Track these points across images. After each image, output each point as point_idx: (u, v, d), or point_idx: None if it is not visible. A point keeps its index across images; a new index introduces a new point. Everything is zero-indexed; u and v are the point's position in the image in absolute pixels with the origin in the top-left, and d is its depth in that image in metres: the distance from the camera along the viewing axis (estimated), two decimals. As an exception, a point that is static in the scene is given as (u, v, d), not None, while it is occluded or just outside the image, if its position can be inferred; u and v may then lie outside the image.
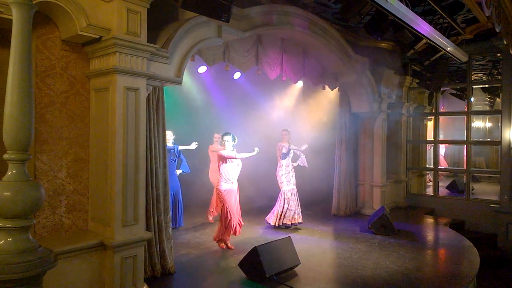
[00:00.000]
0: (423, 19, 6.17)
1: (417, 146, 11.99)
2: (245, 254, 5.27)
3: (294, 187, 7.92)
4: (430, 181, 12.98)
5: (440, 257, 6.62)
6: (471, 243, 7.15)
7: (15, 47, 2.48)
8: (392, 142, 10.48)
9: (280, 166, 7.86)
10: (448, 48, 7.29)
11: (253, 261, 5.08)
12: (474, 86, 11.14)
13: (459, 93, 13.17)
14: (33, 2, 2.59)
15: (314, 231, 7.81)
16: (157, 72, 4.83)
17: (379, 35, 6.25)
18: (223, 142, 6.40)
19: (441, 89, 10.62)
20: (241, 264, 5.26)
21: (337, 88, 9.39)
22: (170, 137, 7.12)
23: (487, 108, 16.76)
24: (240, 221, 6.53)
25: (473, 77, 11.07)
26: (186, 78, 7.52)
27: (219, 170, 6.45)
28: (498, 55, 9.90)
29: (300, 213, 7.90)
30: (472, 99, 11.01)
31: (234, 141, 6.45)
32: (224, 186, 6.33)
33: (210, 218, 8.23)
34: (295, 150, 7.86)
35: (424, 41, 6.79)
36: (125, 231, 4.38)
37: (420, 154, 12.14)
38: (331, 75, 9.05)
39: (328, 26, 7.73)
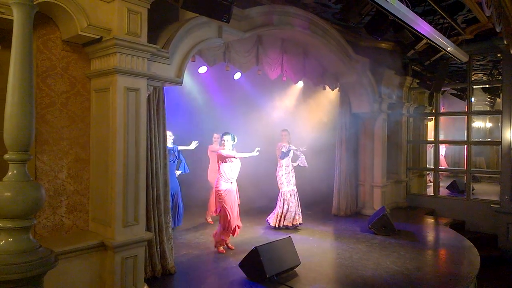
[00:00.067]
0: (423, 19, 6.17)
1: (418, 146, 11.99)
2: (245, 254, 5.27)
3: (294, 187, 7.91)
4: (430, 181, 12.97)
5: (440, 257, 6.62)
6: (471, 243, 7.15)
7: (16, 48, 2.49)
8: (392, 143, 10.47)
9: (280, 166, 7.86)
10: (449, 48, 7.29)
11: (253, 261, 5.08)
12: (474, 86, 11.13)
13: (459, 93, 13.16)
14: (34, 3, 2.59)
15: (315, 231, 7.80)
16: (158, 72, 4.83)
17: (380, 35, 6.25)
18: (223, 142, 6.39)
19: (442, 89, 10.63)
20: (242, 264, 5.27)
21: (338, 88, 9.39)
22: (169, 137, 7.10)
23: (488, 108, 16.75)
24: (238, 224, 6.51)
25: (473, 77, 11.06)
26: (187, 78, 7.51)
27: (218, 170, 6.44)
28: (499, 55, 9.89)
29: (300, 214, 7.90)
30: (473, 99, 11.00)
31: (234, 141, 6.44)
32: (223, 186, 6.31)
33: (209, 219, 8.23)
34: (294, 150, 7.85)
35: (424, 41, 6.79)
36: (126, 232, 4.38)
37: (421, 154, 12.14)
38: (332, 76, 9.05)
39: (329, 26, 7.73)
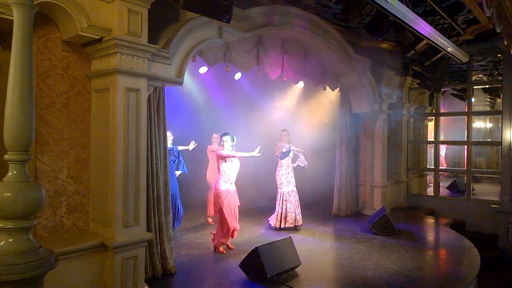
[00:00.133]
0: (423, 19, 6.17)
1: (418, 146, 11.99)
2: (246, 255, 5.27)
3: (294, 188, 7.91)
4: (430, 181, 12.97)
5: (440, 258, 6.61)
6: (471, 244, 7.15)
7: (16, 48, 2.48)
8: (392, 143, 10.48)
9: (280, 166, 7.85)
10: (449, 49, 7.29)
11: (254, 261, 5.08)
12: (474, 87, 11.13)
13: (459, 93, 13.16)
14: (34, 3, 2.59)
15: (315, 232, 7.80)
16: (158, 72, 4.83)
17: (380, 35, 6.25)
18: (222, 143, 6.38)
19: (442, 89, 10.62)
20: (242, 265, 5.27)
21: (338, 88, 9.39)
22: (169, 137, 7.09)
23: (488, 108, 16.75)
24: (235, 226, 6.47)
25: (473, 78, 11.06)
26: (187, 78, 7.50)
27: (218, 170, 6.43)
28: (499, 55, 9.89)
29: (300, 215, 7.90)
30: (473, 99, 11.01)
31: (233, 141, 6.44)
32: (223, 186, 6.30)
33: (210, 219, 8.24)
34: (294, 150, 7.85)
35: (424, 41, 6.79)
36: (126, 232, 4.38)
37: (421, 154, 12.13)
38: (332, 76, 9.05)
39: (329, 26, 7.73)
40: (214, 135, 8.25)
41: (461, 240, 7.54)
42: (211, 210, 8.11)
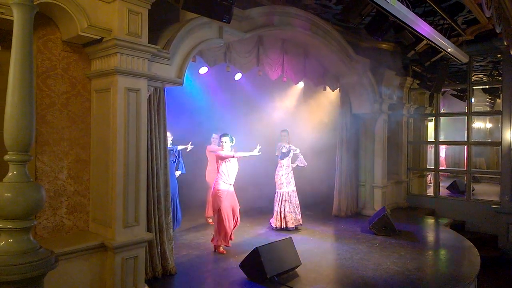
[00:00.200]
0: (423, 20, 6.17)
1: (418, 147, 11.99)
2: (246, 255, 5.27)
3: (294, 188, 7.90)
4: (430, 182, 12.97)
5: (441, 258, 6.61)
6: (471, 244, 7.15)
7: (16, 48, 2.48)
8: (393, 143, 10.48)
9: (280, 166, 7.85)
10: (449, 49, 7.28)
11: (254, 261, 5.07)
12: (474, 87, 11.14)
13: (459, 94, 13.16)
14: (34, 3, 2.59)
15: (315, 232, 7.80)
16: (158, 73, 4.83)
17: (380, 36, 6.25)
18: (221, 143, 6.38)
19: (442, 90, 10.62)
20: (242, 265, 5.26)
21: (338, 89, 9.39)
22: (168, 138, 7.08)
23: (488, 109, 16.75)
24: (232, 228, 6.43)
25: (473, 78, 11.07)
26: (187, 79, 7.50)
27: (217, 170, 6.43)
28: (499, 56, 9.90)
29: (300, 215, 7.89)
30: (473, 100, 11.01)
31: (232, 142, 6.43)
32: (222, 186, 6.28)
33: (210, 220, 8.23)
34: (294, 150, 7.85)
35: (424, 42, 6.79)
36: (126, 232, 4.38)
37: (421, 155, 12.13)
38: (332, 76, 9.05)
39: (329, 27, 7.73)
40: (214, 135, 8.25)
41: (461, 240, 7.54)
42: (210, 211, 8.10)
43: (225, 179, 6.30)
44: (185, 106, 9.24)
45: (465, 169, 10.51)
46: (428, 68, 8.73)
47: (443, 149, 15.90)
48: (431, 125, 12.68)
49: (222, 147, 6.35)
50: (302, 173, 9.00)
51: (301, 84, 10.16)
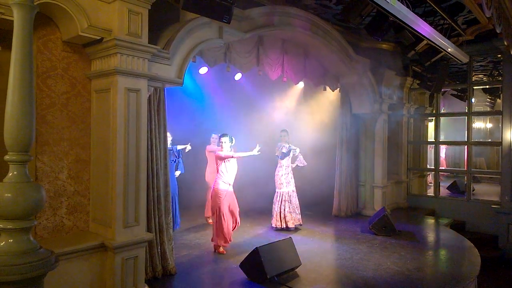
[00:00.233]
0: (423, 20, 6.17)
1: (418, 147, 11.99)
2: (246, 255, 5.27)
3: (294, 188, 7.90)
4: (430, 182, 12.96)
5: (441, 258, 6.61)
6: (472, 244, 7.15)
7: (16, 48, 2.48)
8: (393, 143, 10.47)
9: (280, 166, 7.85)
10: (449, 49, 7.28)
11: (254, 261, 5.07)
12: (474, 87, 11.13)
13: (459, 94, 13.17)
14: (34, 3, 2.59)
15: (315, 232, 7.80)
16: (158, 73, 4.83)
17: (380, 36, 6.25)
18: (221, 144, 6.38)
19: (442, 90, 10.62)
20: (242, 265, 5.26)
21: (338, 89, 9.38)
22: (168, 138, 7.08)
23: (488, 109, 16.75)
24: (232, 228, 6.41)
25: (473, 78, 11.07)
26: (187, 79, 7.50)
27: (217, 170, 6.43)
28: (499, 56, 9.90)
29: (300, 215, 7.89)
30: (473, 100, 11.00)
31: (232, 142, 6.43)
32: (222, 186, 6.27)
33: (210, 220, 8.22)
34: (294, 150, 7.85)
35: (425, 42, 6.79)
36: (126, 232, 4.38)
37: (421, 155, 12.13)
38: (332, 76, 9.05)
39: (329, 27, 7.73)
40: (213, 135, 8.24)
41: (461, 240, 7.54)
42: (210, 210, 8.09)
43: (224, 179, 6.29)
44: (185, 106, 9.25)
45: (465, 169, 10.51)
46: (428, 68, 8.73)
47: (443, 149, 15.89)
48: (431, 125, 12.68)
49: (222, 147, 6.35)
50: (302, 173, 9.00)
51: (301, 84, 10.16)
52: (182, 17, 5.35)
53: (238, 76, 8.45)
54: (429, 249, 7.14)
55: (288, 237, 5.81)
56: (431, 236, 8.12)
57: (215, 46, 5.82)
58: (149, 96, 4.84)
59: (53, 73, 4.31)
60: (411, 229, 8.21)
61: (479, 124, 18.05)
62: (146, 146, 4.71)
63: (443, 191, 12.03)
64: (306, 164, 8.01)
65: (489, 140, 17.07)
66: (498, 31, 6.55)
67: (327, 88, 9.28)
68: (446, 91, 13.44)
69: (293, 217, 7.73)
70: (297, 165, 7.95)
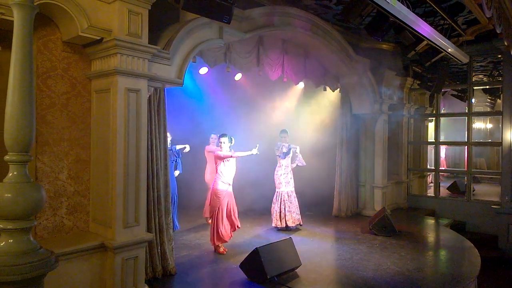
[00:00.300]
0: (424, 20, 6.16)
1: (418, 147, 11.99)
2: (246, 255, 5.26)
3: (293, 189, 7.90)
4: (431, 182, 12.97)
5: (441, 258, 6.61)
6: (472, 244, 7.14)
7: (16, 49, 2.48)
8: (393, 143, 10.47)
9: (280, 166, 7.85)
10: (449, 50, 7.28)
11: (254, 262, 5.07)
12: (475, 87, 11.13)
13: (460, 94, 13.16)
14: (34, 4, 2.59)
15: (315, 233, 7.79)
16: (159, 73, 4.83)
17: (380, 36, 6.25)
18: (220, 144, 6.38)
19: (442, 90, 10.62)
20: (242, 265, 5.26)
21: (338, 89, 9.38)
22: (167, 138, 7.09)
23: (488, 109, 16.76)
24: (231, 229, 6.39)
25: (474, 78, 11.06)
26: (187, 79, 7.50)
27: (216, 170, 6.43)
28: (499, 56, 9.90)
29: (299, 215, 7.89)
30: (473, 100, 11.01)
31: (231, 142, 6.44)
32: (221, 186, 6.27)
33: (209, 220, 8.22)
34: (293, 149, 7.84)
35: (425, 42, 6.78)
36: (126, 233, 4.38)
37: (421, 155, 12.13)
38: (332, 76, 9.05)
39: (330, 27, 7.73)
40: (212, 135, 8.24)
41: (461, 240, 7.54)
42: (207, 211, 8.09)
43: (223, 179, 6.30)
44: (185, 106, 9.24)
45: (466, 169, 10.51)
46: (428, 69, 8.73)
47: (443, 149, 15.90)
48: (431, 126, 12.68)
49: (221, 147, 6.35)
50: (302, 173, 9.00)
51: (301, 85, 10.14)
52: (182, 17, 5.35)
53: (238, 76, 8.45)
54: (429, 249, 7.14)
55: (288, 237, 5.80)
56: (431, 237, 8.11)
57: (215, 46, 5.82)
58: (149, 96, 4.84)
59: (53, 73, 4.31)
60: (411, 229, 8.20)
61: (479, 124, 18.05)
62: (146, 146, 4.71)
63: (443, 192, 12.03)
64: (305, 164, 8.00)
65: (489, 140, 17.07)
66: (498, 31, 6.55)
67: (327, 88, 9.28)
68: (446, 91, 13.44)
69: (293, 217, 7.72)
70: (296, 165, 7.95)
